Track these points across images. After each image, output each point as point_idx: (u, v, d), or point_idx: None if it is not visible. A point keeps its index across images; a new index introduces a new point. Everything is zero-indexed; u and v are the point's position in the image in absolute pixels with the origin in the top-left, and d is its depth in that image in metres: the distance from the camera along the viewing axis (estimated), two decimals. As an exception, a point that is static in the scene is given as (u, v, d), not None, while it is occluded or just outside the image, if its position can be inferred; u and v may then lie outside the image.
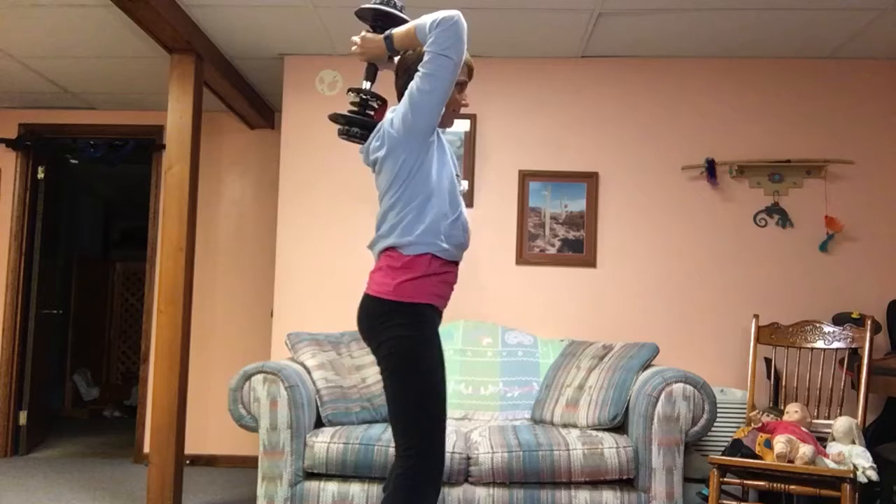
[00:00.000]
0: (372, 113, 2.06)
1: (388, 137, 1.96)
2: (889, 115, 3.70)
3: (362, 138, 2.04)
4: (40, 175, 4.91)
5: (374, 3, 2.05)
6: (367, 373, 3.10)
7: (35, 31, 3.58)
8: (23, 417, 4.80)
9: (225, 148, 4.84)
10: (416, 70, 1.92)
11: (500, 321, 3.71)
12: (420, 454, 1.91)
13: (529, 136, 3.81)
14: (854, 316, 3.27)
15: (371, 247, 2.06)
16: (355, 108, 2.04)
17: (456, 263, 2.06)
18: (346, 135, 2.04)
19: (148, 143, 4.87)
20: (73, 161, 5.27)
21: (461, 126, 3.77)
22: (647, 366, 2.98)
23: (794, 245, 3.67)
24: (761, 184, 3.70)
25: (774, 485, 2.61)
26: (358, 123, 2.02)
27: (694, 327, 3.67)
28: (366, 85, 2.08)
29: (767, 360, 3.42)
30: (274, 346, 3.80)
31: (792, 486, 2.60)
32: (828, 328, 3.15)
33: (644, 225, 3.74)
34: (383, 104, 2.08)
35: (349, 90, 2.07)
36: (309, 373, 2.94)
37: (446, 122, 2.11)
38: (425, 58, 1.88)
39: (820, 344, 3.15)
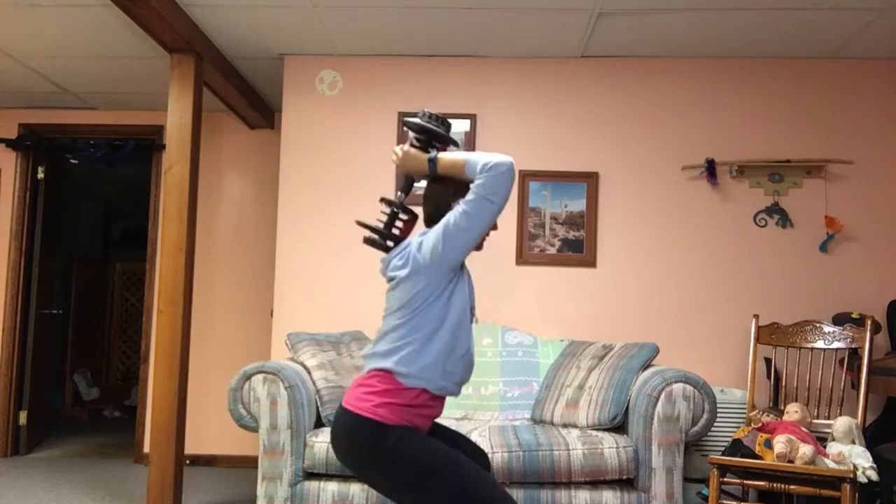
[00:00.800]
0: (400, 225, 2.05)
1: (412, 260, 1.90)
2: (889, 115, 3.70)
3: (386, 249, 2.02)
4: (40, 175, 4.91)
5: (422, 119, 2.02)
6: (367, 373, 3.09)
7: (35, 31, 3.58)
8: (23, 417, 4.80)
9: (225, 148, 4.84)
10: (453, 201, 1.90)
11: (500, 321, 3.71)
12: None
13: (529, 136, 3.81)
14: (854, 316, 3.27)
15: (365, 358, 1.99)
16: (384, 220, 2.04)
17: (446, 397, 1.99)
18: (371, 243, 2.03)
19: (148, 143, 4.87)
20: (73, 161, 5.27)
21: (462, 126, 3.77)
22: (647, 366, 2.97)
23: (794, 245, 3.67)
24: (761, 184, 3.70)
25: (774, 485, 2.61)
26: (384, 235, 2.02)
27: (694, 327, 3.67)
28: (399, 196, 2.07)
29: (767, 360, 3.42)
30: (274, 346, 3.80)
31: (792, 486, 2.60)
32: (828, 328, 3.15)
33: (644, 225, 3.74)
34: (412, 218, 2.07)
35: (381, 199, 2.06)
36: (309, 373, 2.94)
37: (476, 248, 2.03)
38: (470, 196, 1.84)
39: (820, 344, 3.15)
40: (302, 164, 3.87)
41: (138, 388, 4.79)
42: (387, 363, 1.89)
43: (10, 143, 4.82)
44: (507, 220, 3.76)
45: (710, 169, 3.65)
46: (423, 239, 1.92)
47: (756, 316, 3.30)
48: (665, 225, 3.73)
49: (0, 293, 4.78)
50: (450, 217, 1.86)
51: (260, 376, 2.76)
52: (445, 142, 2.04)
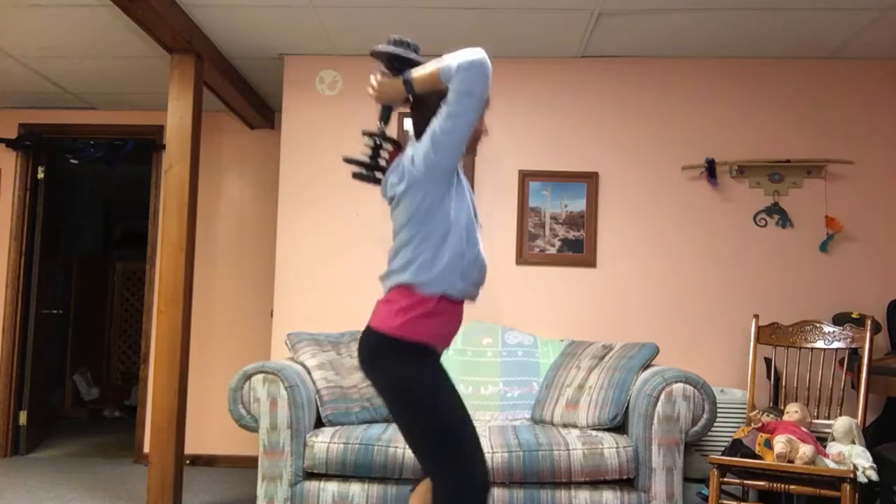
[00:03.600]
0: (386, 156, 2.06)
1: (407, 174, 1.92)
2: (889, 115, 3.70)
3: (376, 181, 2.05)
4: (40, 175, 4.91)
5: (389, 47, 2.01)
6: (367, 373, 3.09)
7: (35, 31, 3.58)
8: (23, 417, 4.80)
9: (225, 148, 4.84)
10: (436, 105, 1.89)
11: (500, 321, 3.71)
12: (455, 478, 1.85)
13: (529, 136, 3.81)
14: (854, 316, 3.27)
15: (382, 279, 2.01)
16: (369, 152, 2.05)
17: (465, 300, 2.02)
18: (360, 177, 2.06)
19: (148, 143, 4.87)
20: (73, 161, 5.27)
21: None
22: (647, 366, 2.98)
23: (794, 245, 3.67)
24: (761, 184, 3.70)
25: (774, 485, 2.61)
26: (371, 167, 2.04)
27: (694, 327, 3.67)
28: (380, 127, 2.07)
29: (767, 360, 3.42)
30: (274, 346, 3.80)
31: (792, 486, 2.60)
32: (828, 328, 3.15)
33: (644, 225, 3.74)
34: (396, 147, 2.07)
35: (363, 132, 2.06)
36: (309, 373, 2.94)
37: (469, 152, 2.06)
38: (449, 96, 1.84)
39: (820, 344, 3.15)
40: (302, 164, 3.87)
41: (138, 388, 4.79)
42: (404, 277, 1.92)
43: (10, 143, 4.82)
44: (507, 220, 3.76)
45: (710, 169, 3.65)
46: (413, 151, 1.94)
47: (756, 316, 3.30)
48: (665, 225, 3.73)
49: (0, 293, 4.78)
50: (435, 123, 1.87)
51: (260, 376, 2.76)
52: (417, 64, 2.02)
